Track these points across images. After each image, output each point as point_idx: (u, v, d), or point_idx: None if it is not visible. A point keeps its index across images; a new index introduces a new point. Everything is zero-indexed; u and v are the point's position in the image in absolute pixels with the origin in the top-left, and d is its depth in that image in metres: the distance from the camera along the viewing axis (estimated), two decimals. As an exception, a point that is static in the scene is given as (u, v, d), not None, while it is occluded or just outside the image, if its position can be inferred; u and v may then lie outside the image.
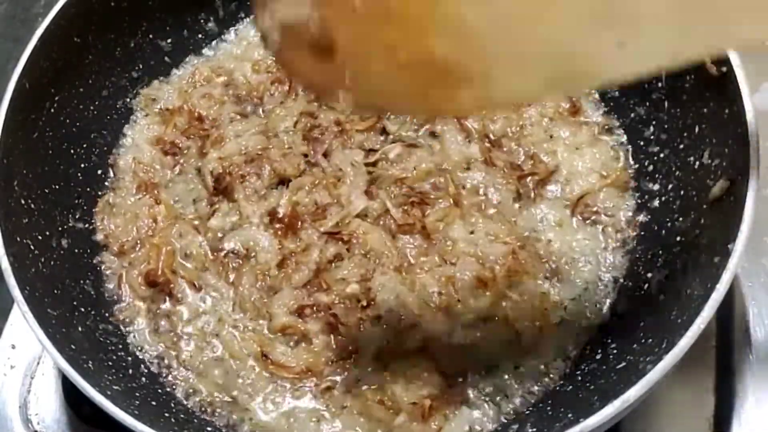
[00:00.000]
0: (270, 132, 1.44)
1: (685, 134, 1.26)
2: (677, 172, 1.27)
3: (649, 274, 1.25)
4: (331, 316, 1.22)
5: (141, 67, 1.52)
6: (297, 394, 1.22)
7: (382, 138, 1.41)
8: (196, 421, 1.18)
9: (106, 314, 1.30)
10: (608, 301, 1.28)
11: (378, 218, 1.31)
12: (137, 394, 1.17)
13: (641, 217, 1.33)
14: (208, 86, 1.54)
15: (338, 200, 1.33)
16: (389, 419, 1.17)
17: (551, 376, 1.22)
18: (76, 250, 1.33)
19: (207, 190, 1.40)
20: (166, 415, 1.16)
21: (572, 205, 1.35)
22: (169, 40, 1.56)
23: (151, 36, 1.52)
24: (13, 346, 1.39)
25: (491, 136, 1.40)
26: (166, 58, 1.57)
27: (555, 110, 1.43)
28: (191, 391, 1.25)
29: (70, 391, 1.33)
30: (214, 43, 1.62)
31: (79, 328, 1.21)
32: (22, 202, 1.24)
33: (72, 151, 1.39)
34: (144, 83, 1.54)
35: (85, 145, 1.42)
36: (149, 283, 1.32)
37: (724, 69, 1.14)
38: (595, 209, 1.34)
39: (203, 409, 1.23)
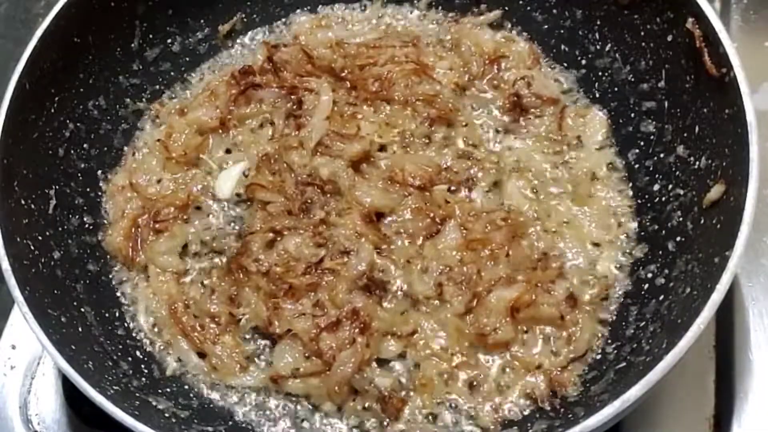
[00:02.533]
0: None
1: (685, 135, 1.26)
2: (677, 173, 1.27)
3: (649, 275, 1.25)
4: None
5: (142, 68, 1.52)
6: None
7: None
8: (196, 421, 1.18)
9: (106, 315, 1.30)
10: (605, 301, 1.27)
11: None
12: (137, 395, 1.17)
13: (641, 217, 1.33)
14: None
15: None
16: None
17: (551, 376, 1.22)
18: (77, 251, 1.33)
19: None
20: (166, 415, 1.16)
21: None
22: (169, 41, 1.55)
23: (151, 36, 1.52)
24: (14, 347, 1.39)
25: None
26: (168, 60, 1.57)
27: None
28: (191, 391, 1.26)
29: (70, 392, 1.33)
30: (218, 48, 1.61)
31: (79, 328, 1.21)
32: (22, 202, 1.25)
33: (72, 151, 1.39)
34: (145, 84, 1.54)
35: (85, 146, 1.42)
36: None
37: (724, 69, 1.14)
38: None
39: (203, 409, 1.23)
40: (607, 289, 1.27)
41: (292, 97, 1.46)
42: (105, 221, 1.41)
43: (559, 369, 1.20)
